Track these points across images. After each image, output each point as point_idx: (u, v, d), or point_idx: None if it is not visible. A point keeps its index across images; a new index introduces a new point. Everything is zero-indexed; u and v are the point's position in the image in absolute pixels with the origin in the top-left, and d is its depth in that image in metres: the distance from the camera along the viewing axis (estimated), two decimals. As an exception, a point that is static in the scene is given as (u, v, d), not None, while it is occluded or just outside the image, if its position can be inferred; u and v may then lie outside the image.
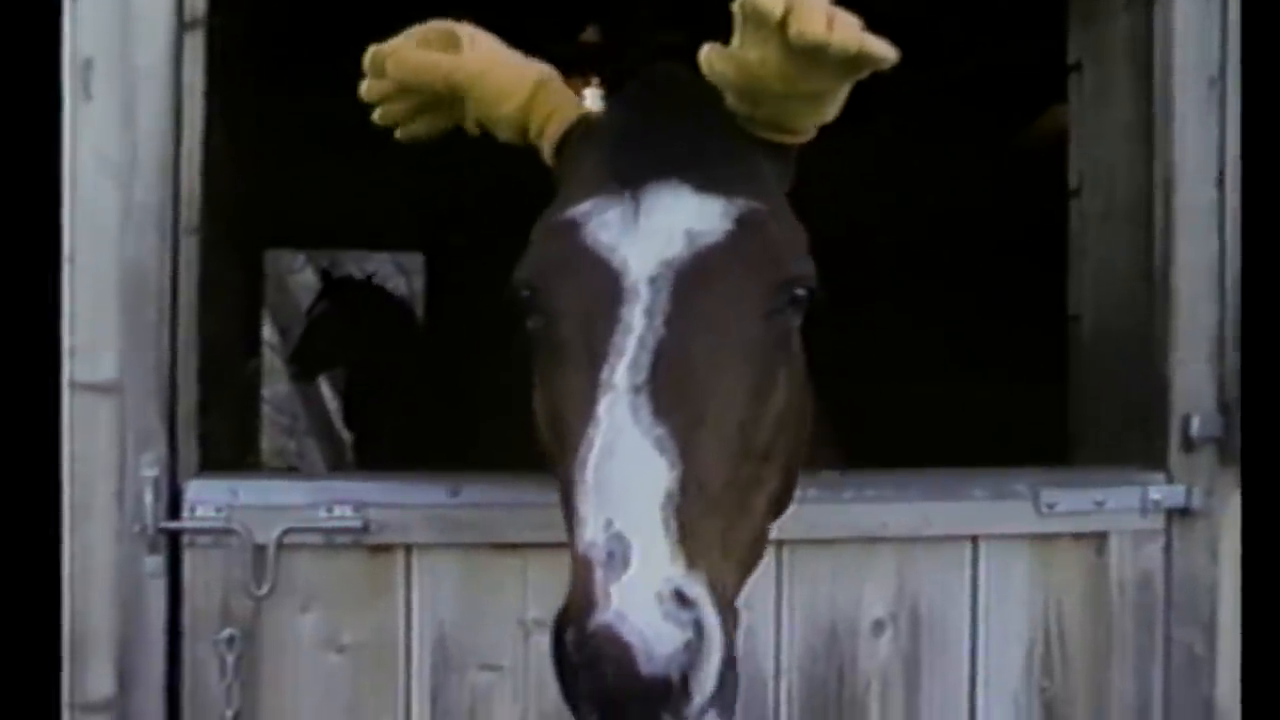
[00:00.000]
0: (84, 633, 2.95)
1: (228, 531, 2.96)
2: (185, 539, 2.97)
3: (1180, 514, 3.30)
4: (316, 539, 2.99)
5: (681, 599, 2.00)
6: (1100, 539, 3.28)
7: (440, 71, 2.73)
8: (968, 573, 3.21)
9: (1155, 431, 3.35)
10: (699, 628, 2.00)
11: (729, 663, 2.08)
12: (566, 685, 2.05)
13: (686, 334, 2.30)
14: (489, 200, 8.33)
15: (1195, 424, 3.30)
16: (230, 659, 2.95)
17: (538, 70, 2.77)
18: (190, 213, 3.04)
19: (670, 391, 2.22)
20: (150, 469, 2.95)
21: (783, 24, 2.28)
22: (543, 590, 3.04)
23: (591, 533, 2.07)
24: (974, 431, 4.63)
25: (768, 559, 3.05)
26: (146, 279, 2.98)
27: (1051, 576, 3.26)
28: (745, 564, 2.32)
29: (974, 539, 3.22)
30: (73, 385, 2.95)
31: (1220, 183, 3.34)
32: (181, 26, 3.02)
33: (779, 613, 3.11)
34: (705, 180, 2.45)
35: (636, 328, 2.29)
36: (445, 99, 2.80)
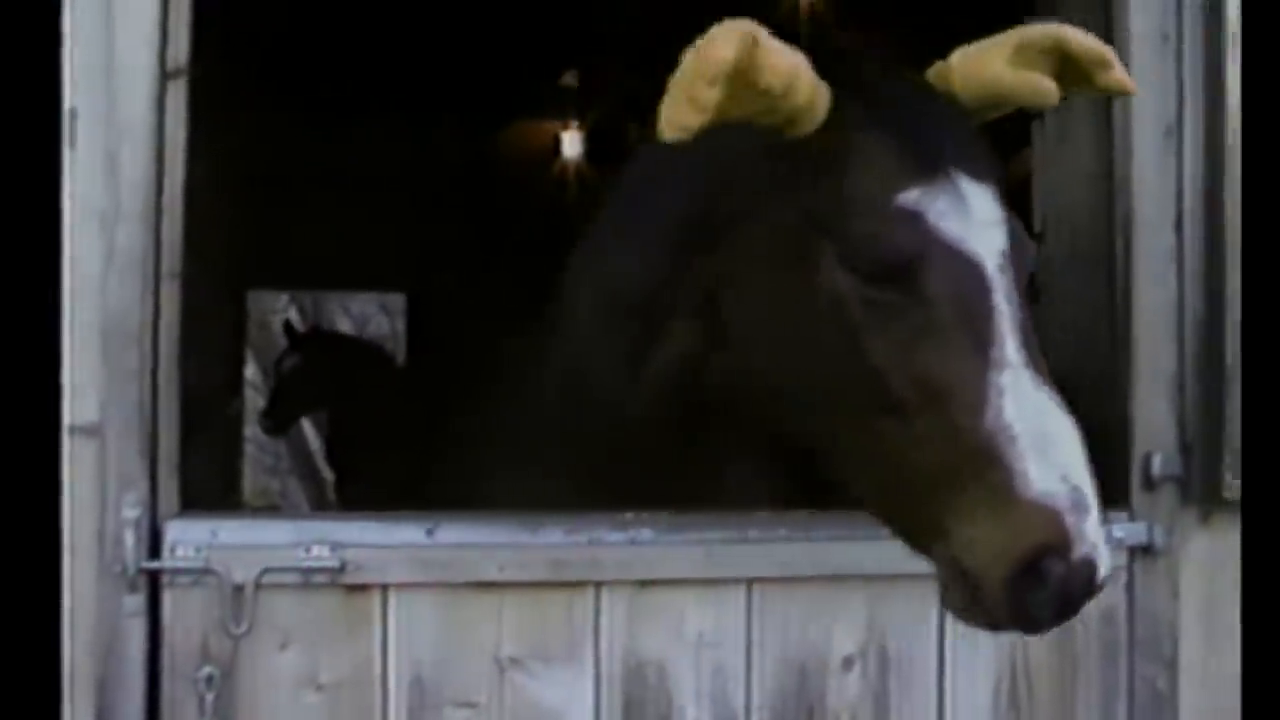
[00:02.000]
0: (65, 672, 2.98)
1: (207, 571, 3.00)
2: (165, 579, 3.01)
3: (1143, 552, 3.37)
4: (294, 578, 3.04)
5: (1108, 533, 2.59)
6: (1065, 576, 3.33)
7: (801, 73, 2.71)
8: (936, 609, 3.26)
9: (1117, 470, 3.40)
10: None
11: None
12: (1028, 602, 2.50)
13: (1028, 314, 2.73)
14: (470, 242, 8.42)
15: (1156, 463, 3.37)
16: (209, 697, 2.99)
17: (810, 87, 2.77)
18: (172, 258, 3.09)
19: (1039, 364, 2.66)
20: (131, 510, 2.99)
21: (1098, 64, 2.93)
22: (518, 628, 3.10)
23: (1047, 483, 2.49)
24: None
25: (739, 597, 3.14)
26: (128, 323, 3.02)
27: (1018, 614, 3.31)
28: None
29: (942, 577, 3.27)
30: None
31: (1178, 227, 3.43)
32: (164, 76, 3.07)
33: (749, 650, 3.16)
34: (979, 170, 2.80)
35: (1006, 313, 2.66)
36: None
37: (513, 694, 3.10)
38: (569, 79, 9.06)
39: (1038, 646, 3.32)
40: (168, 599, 3.01)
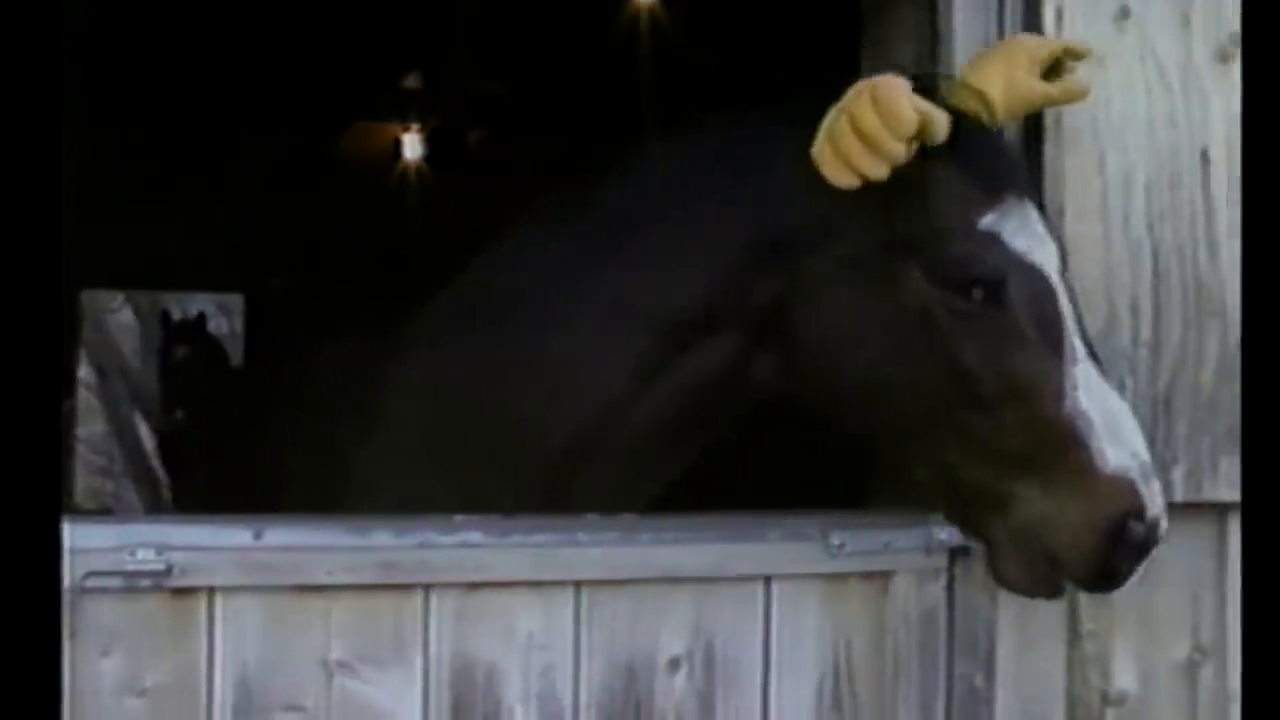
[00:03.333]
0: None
1: (27, 575, 2.94)
2: (-17, 583, 2.95)
3: (962, 553, 3.46)
4: (118, 582, 2.99)
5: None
6: (887, 578, 3.42)
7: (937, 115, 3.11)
8: (760, 611, 3.33)
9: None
10: None
11: None
12: (1114, 559, 3.10)
13: (1082, 318, 3.22)
14: (311, 244, 8.35)
15: (976, 467, 3.46)
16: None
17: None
18: (-6, 257, 3.03)
19: (1099, 360, 3.19)
20: (-53, 513, 2.93)
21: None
22: (346, 631, 3.08)
23: (1122, 459, 3.06)
24: (772, 472, 4.76)
25: (567, 599, 3.17)
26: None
27: (841, 614, 3.39)
28: None
29: (767, 579, 3.33)
30: None
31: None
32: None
33: (577, 650, 3.19)
34: (1030, 192, 3.33)
35: (1069, 316, 3.16)
36: None
37: (341, 697, 3.09)
38: (411, 81, 9.01)
39: (859, 646, 3.40)
40: (-15, 604, 2.95)
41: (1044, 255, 3.19)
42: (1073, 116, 3.54)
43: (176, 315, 9.98)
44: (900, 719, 3.42)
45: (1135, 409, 3.23)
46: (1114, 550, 3.06)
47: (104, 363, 14.88)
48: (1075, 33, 3.55)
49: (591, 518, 3.28)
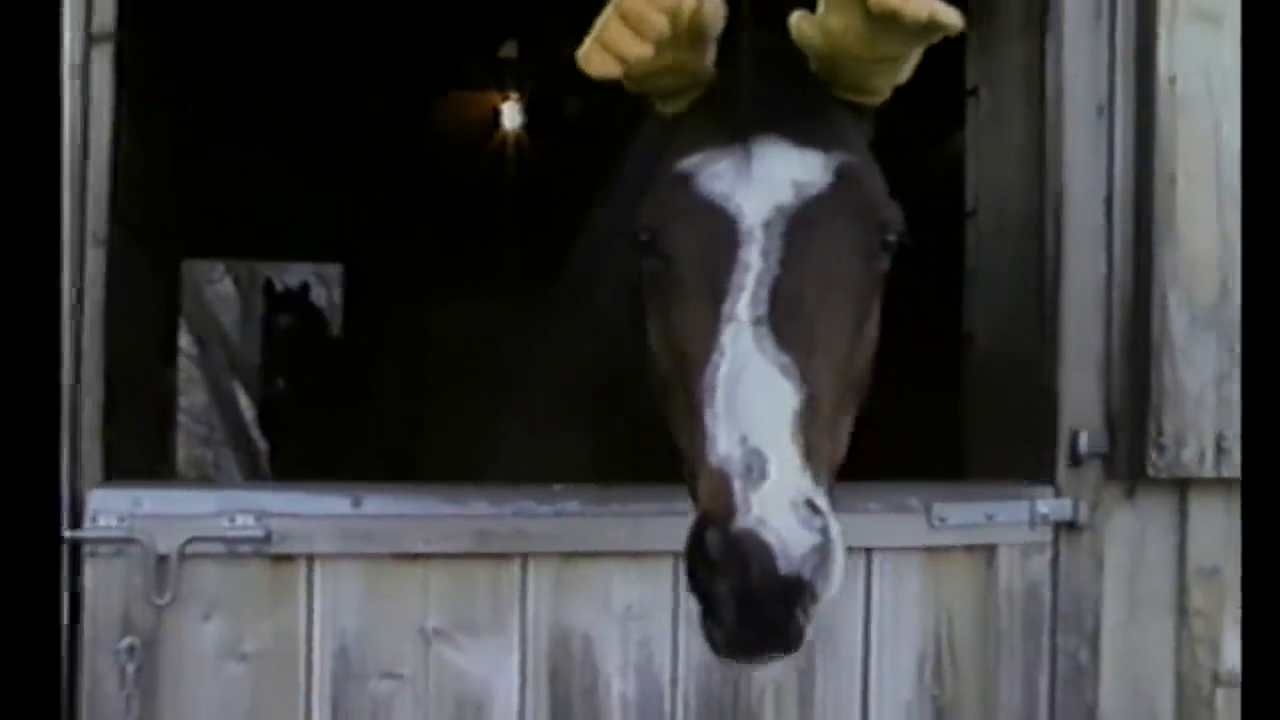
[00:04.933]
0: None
1: (130, 541, 2.97)
2: (87, 549, 2.98)
3: (1067, 527, 3.39)
4: (219, 548, 3.01)
5: (813, 507, 2.28)
6: (990, 551, 3.36)
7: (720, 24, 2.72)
8: (861, 584, 3.28)
9: (1044, 447, 3.44)
10: (825, 532, 2.27)
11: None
12: (704, 590, 2.28)
13: (800, 273, 2.58)
14: (408, 213, 8.38)
15: (1082, 440, 3.40)
16: (130, 668, 2.96)
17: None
18: (97, 224, 3.05)
19: (789, 323, 2.50)
20: (53, 478, 2.96)
21: None
22: (444, 599, 3.09)
23: (726, 447, 2.33)
24: (873, 444, 4.70)
25: (666, 571, 3.14)
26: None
27: (943, 587, 3.34)
28: (834, 481, 2.56)
29: (868, 551, 3.29)
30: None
31: (1108, 205, 3.45)
32: (89, 40, 3.04)
33: (675, 623, 3.17)
34: (804, 136, 2.74)
35: (755, 266, 2.57)
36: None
37: (438, 665, 3.09)
38: (508, 50, 9.01)
39: (961, 620, 3.34)
40: (89, 569, 2.98)
41: (752, 198, 2.65)
42: (1187, 82, 3.44)
43: (279, 285, 10.09)
44: (1002, 694, 3.37)
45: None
46: (696, 573, 2.29)
47: (204, 333, 15.10)
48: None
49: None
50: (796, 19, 2.75)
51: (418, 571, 3.09)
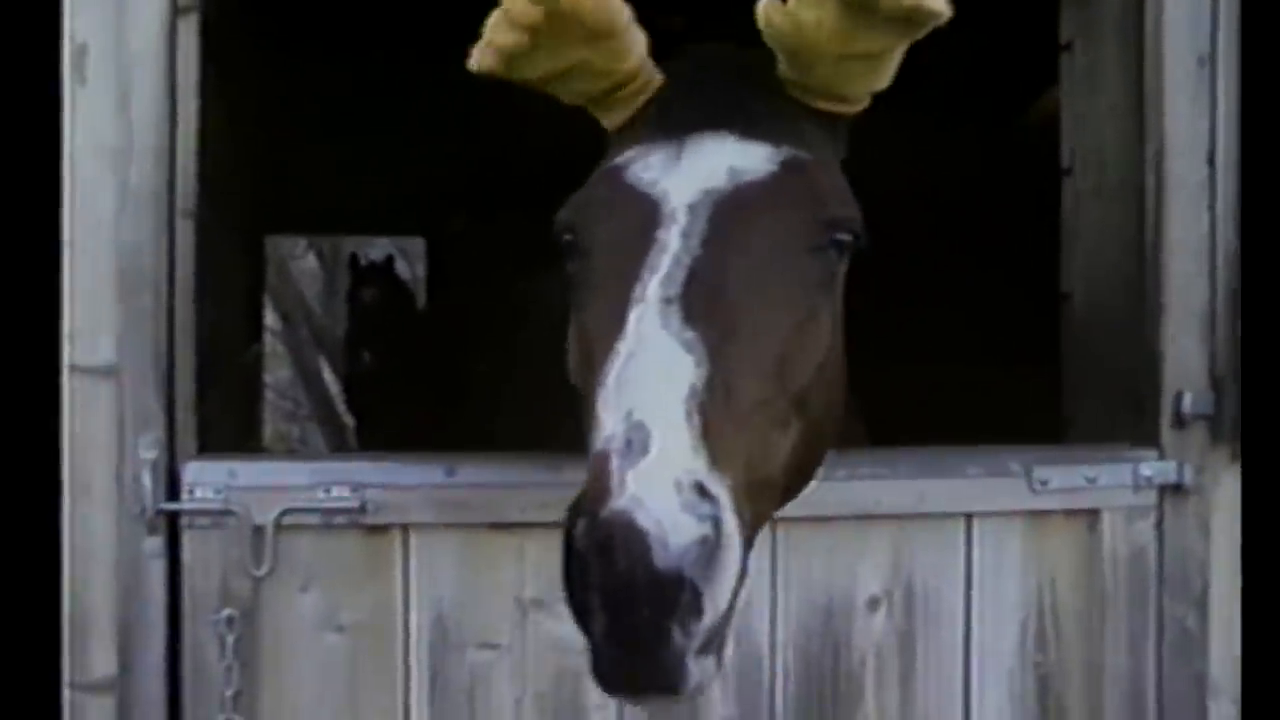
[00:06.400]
0: (85, 614, 2.97)
1: (226, 513, 2.98)
2: (184, 520, 2.99)
3: (1172, 490, 3.31)
4: (314, 519, 3.02)
5: (702, 491, 1.94)
6: (1093, 515, 3.29)
7: (612, 17, 2.55)
8: (962, 549, 3.23)
9: (1147, 408, 3.36)
10: (718, 526, 1.93)
11: (737, 592, 2.00)
12: (574, 588, 1.95)
13: (724, 254, 2.31)
14: (491, 185, 8.36)
15: (1187, 401, 3.31)
16: (230, 639, 2.98)
17: (640, 54, 2.67)
18: (186, 197, 3.06)
19: (703, 303, 2.21)
20: (149, 451, 2.97)
21: None
22: (540, 569, 3.07)
23: (610, 426, 2.02)
24: (969, 409, 4.64)
25: (763, 536, 3.09)
26: (143, 263, 3.00)
27: (1045, 553, 3.28)
28: (763, 502, 2.24)
29: (968, 516, 3.24)
30: (72, 369, 2.97)
31: (1211, 160, 3.35)
32: (175, 11, 3.04)
33: (774, 590, 3.13)
34: (749, 130, 2.51)
35: (672, 247, 2.31)
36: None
37: (536, 635, 3.08)
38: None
39: (1064, 586, 3.28)
40: (187, 541, 3.00)
41: (677, 183, 2.43)
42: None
43: (363, 259, 10.12)
44: (1108, 661, 3.31)
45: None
46: (566, 570, 1.99)
47: (289, 308, 15.21)
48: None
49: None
50: (764, 7, 2.44)
51: (513, 541, 3.07)
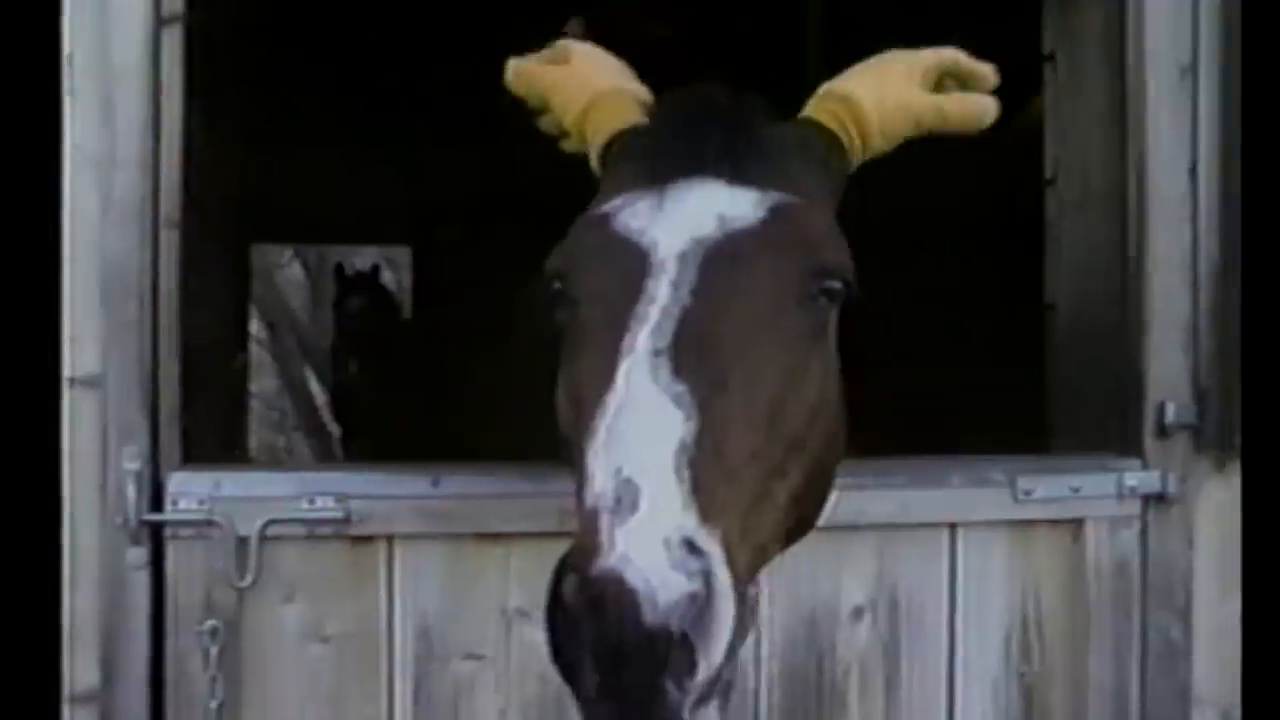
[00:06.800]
0: (69, 625, 2.96)
1: (210, 523, 2.97)
2: (168, 531, 2.98)
3: (1156, 500, 3.33)
4: (299, 530, 3.01)
5: (691, 548, 1.93)
6: (1077, 525, 3.30)
7: (533, 80, 2.97)
8: (946, 559, 3.24)
9: (1130, 418, 3.38)
10: (709, 582, 1.92)
11: (734, 644, 2.00)
12: (562, 647, 1.95)
13: (714, 305, 2.27)
14: (477, 195, 8.36)
15: (1170, 411, 3.33)
16: (213, 650, 2.97)
17: (599, 86, 2.84)
18: (170, 206, 3.05)
19: (692, 355, 2.19)
20: (132, 462, 2.96)
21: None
22: (525, 579, 3.07)
23: (600, 484, 2.00)
24: (953, 418, 4.65)
25: (747, 547, 3.09)
26: (127, 273, 2.99)
27: (1029, 563, 3.29)
28: (758, 552, 2.24)
29: (952, 526, 3.24)
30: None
31: (1193, 171, 3.37)
32: (159, 22, 3.03)
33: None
34: (739, 175, 2.47)
35: (661, 298, 2.28)
36: None
37: (520, 645, 3.07)
38: (573, 27, 8.97)
39: (1049, 596, 3.29)
40: (171, 551, 2.99)
41: (667, 231, 2.40)
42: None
43: (349, 269, 10.12)
44: (1092, 671, 3.32)
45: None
46: (552, 627, 1.97)
47: (274, 317, 15.19)
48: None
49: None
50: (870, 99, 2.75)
51: (498, 551, 3.07)
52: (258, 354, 13.98)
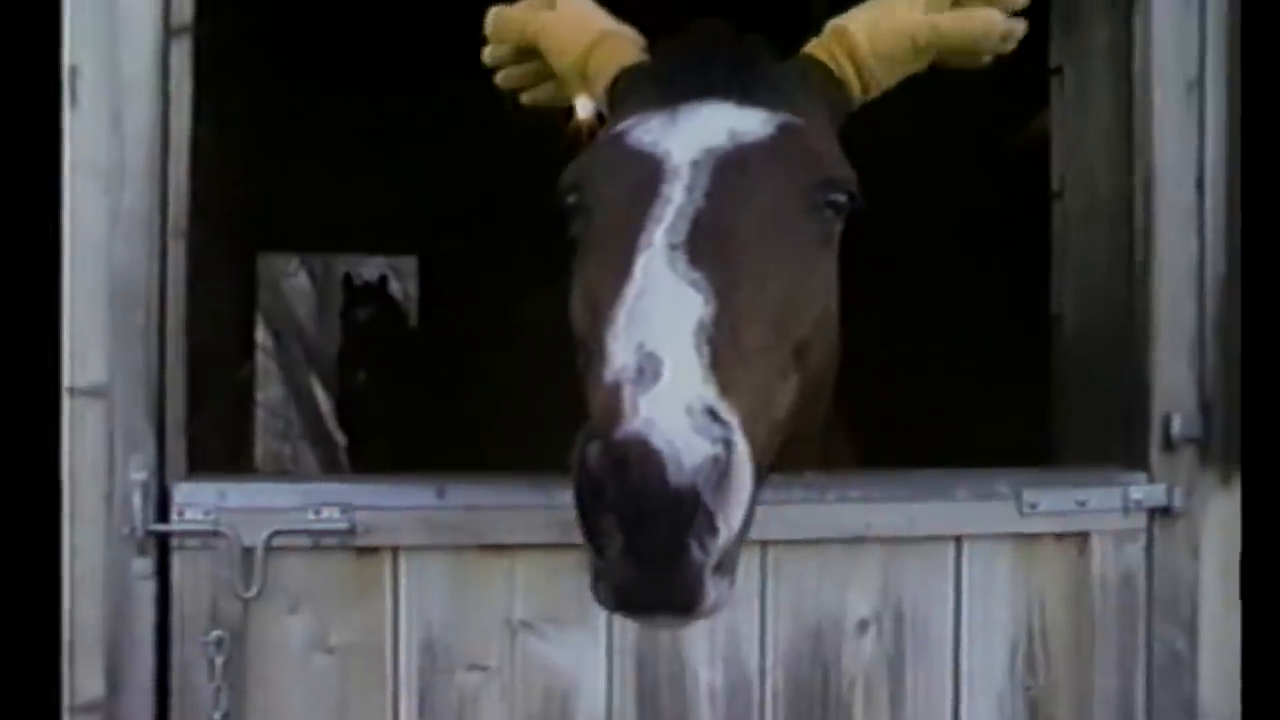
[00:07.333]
0: (74, 635, 2.96)
1: (216, 534, 2.97)
2: (174, 541, 2.99)
3: (1162, 513, 3.32)
4: (304, 541, 3.01)
5: (713, 415, 2.02)
6: (1082, 539, 3.30)
7: (518, 25, 3.00)
8: (951, 572, 3.23)
9: (1136, 431, 3.37)
10: (729, 448, 2.01)
11: (748, 516, 2.09)
12: (587, 511, 2.00)
13: (727, 206, 2.40)
14: (483, 205, 8.36)
15: (1176, 424, 3.32)
16: (219, 661, 2.97)
17: (600, 28, 2.94)
18: (178, 217, 3.05)
19: (707, 249, 2.30)
20: (138, 472, 2.96)
21: None
22: (530, 591, 3.07)
23: (622, 359, 2.10)
24: (958, 430, 4.65)
25: (753, 559, 3.10)
26: (134, 283, 3.00)
27: (1034, 576, 3.28)
28: (768, 440, 2.32)
29: (957, 539, 3.24)
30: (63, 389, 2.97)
31: (1200, 185, 3.37)
32: (168, 33, 3.04)
33: (763, 612, 3.13)
34: (746, 97, 2.63)
35: (676, 199, 2.40)
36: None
37: (524, 657, 3.07)
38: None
39: (1054, 609, 3.28)
40: (176, 562, 2.99)
41: (679, 141, 2.53)
42: None
43: (357, 278, 10.13)
44: (1097, 684, 3.31)
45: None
46: (578, 495, 2.03)
47: (280, 326, 15.20)
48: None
49: (777, 477, 3.21)
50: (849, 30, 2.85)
51: (503, 563, 3.07)
52: (264, 363, 13.97)
